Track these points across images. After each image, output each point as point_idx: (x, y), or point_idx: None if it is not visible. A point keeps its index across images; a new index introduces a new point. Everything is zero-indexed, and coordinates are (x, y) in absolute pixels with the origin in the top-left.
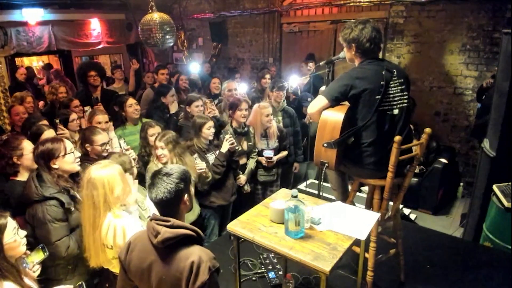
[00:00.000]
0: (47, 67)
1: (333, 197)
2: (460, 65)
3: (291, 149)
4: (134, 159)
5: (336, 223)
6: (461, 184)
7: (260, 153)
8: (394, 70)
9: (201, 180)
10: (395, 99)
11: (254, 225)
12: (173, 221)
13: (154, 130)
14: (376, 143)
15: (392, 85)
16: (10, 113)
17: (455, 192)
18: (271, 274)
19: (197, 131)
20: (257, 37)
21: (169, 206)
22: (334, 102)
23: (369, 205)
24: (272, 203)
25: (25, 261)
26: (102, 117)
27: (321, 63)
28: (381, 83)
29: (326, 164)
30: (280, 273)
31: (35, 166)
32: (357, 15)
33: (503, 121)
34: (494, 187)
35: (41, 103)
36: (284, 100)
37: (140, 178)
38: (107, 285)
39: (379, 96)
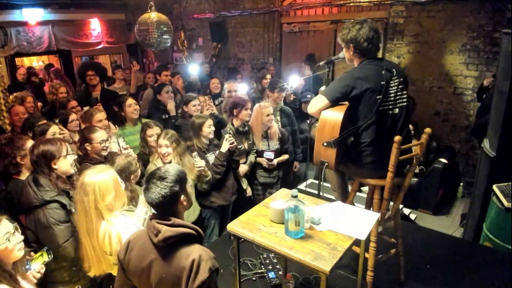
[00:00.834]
0: (48, 67)
1: (333, 197)
2: (460, 65)
3: (291, 148)
4: (134, 159)
5: (336, 223)
6: (461, 184)
7: (260, 154)
8: (394, 70)
9: (200, 179)
10: (396, 98)
11: (254, 225)
12: (174, 220)
13: (153, 131)
14: (376, 143)
15: (392, 85)
16: (10, 113)
17: (455, 192)
18: (271, 274)
19: (197, 131)
20: (257, 37)
21: (166, 208)
22: (335, 102)
23: (369, 205)
24: (272, 203)
25: (28, 264)
26: (100, 115)
27: (321, 63)
28: (382, 83)
29: (326, 164)
30: (280, 273)
31: None
32: (357, 15)
33: (503, 121)
34: (494, 187)
35: (39, 104)
36: (282, 100)
37: (141, 178)
38: (111, 287)
39: (380, 96)
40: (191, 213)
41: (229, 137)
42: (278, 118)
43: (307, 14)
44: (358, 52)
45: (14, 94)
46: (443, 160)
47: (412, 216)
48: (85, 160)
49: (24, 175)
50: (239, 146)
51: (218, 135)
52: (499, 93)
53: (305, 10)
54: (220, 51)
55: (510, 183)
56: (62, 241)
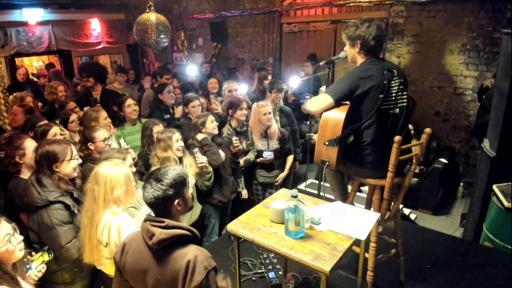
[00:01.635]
0: (49, 66)
1: (333, 197)
2: (460, 65)
3: (291, 148)
4: (134, 159)
5: (336, 223)
6: (461, 184)
7: (260, 154)
8: (394, 70)
9: (202, 176)
10: (396, 98)
11: (254, 225)
12: (168, 221)
13: (159, 128)
14: (376, 142)
15: (393, 85)
16: (12, 113)
17: (455, 192)
18: (271, 274)
19: (200, 129)
20: (257, 37)
21: (159, 208)
22: (339, 101)
23: (369, 205)
24: (272, 203)
25: (29, 263)
26: (104, 113)
27: (321, 63)
28: (384, 82)
29: (327, 163)
30: (280, 273)
31: None
32: (357, 15)
33: (503, 121)
34: (494, 187)
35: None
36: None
37: (141, 178)
38: (102, 287)
39: (382, 95)
40: (193, 212)
41: (236, 139)
42: (278, 118)
43: (307, 14)
44: (365, 50)
45: (14, 94)
46: (443, 160)
47: (412, 216)
48: (87, 160)
49: (24, 174)
50: (241, 147)
51: (220, 134)
52: (499, 93)
53: (305, 10)
54: (220, 51)
55: (510, 183)
56: (65, 242)
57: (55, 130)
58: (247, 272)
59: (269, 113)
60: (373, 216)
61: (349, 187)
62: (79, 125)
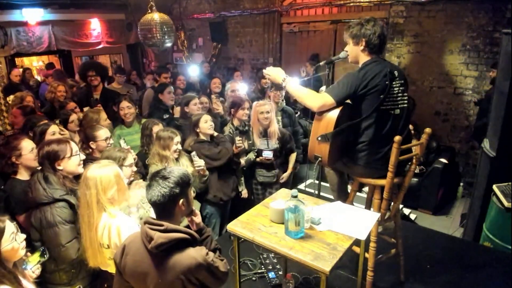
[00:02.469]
0: (49, 66)
1: (333, 197)
2: (460, 65)
3: (293, 147)
4: (134, 159)
5: (336, 223)
6: (461, 184)
7: (259, 153)
8: (395, 71)
9: (198, 178)
10: (397, 99)
11: (254, 225)
12: (167, 225)
13: (159, 127)
14: (376, 142)
15: (394, 85)
16: (13, 113)
17: (455, 192)
18: (271, 274)
19: (194, 128)
20: (257, 37)
21: (163, 209)
22: (340, 102)
23: (369, 205)
24: (272, 203)
25: (25, 263)
26: (103, 115)
27: (321, 63)
28: (386, 82)
29: (320, 159)
30: (280, 273)
31: (35, 165)
32: (357, 15)
33: (503, 121)
34: (494, 187)
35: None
36: (283, 100)
37: (141, 178)
38: (106, 286)
39: (383, 96)
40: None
41: (239, 139)
42: (279, 118)
43: (307, 14)
44: (369, 49)
45: (15, 94)
46: (443, 160)
47: (412, 216)
48: (88, 160)
49: (22, 174)
50: (243, 147)
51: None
52: (499, 93)
53: (305, 10)
54: (220, 51)
55: (510, 183)
56: (65, 242)
57: (54, 129)
58: (247, 272)
59: (267, 112)
60: (373, 216)
61: (349, 187)
62: (79, 126)
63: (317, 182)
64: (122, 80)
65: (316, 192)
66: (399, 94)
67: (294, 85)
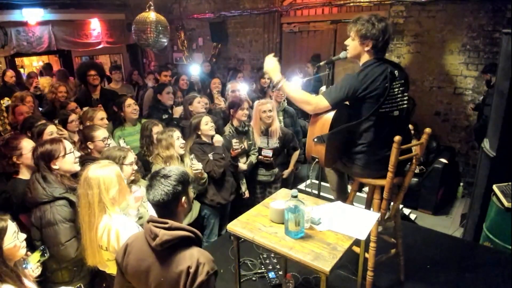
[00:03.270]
0: (47, 67)
1: (333, 197)
2: (460, 65)
3: (296, 146)
4: (134, 158)
5: (336, 223)
6: (461, 184)
7: (259, 151)
8: (396, 71)
9: (196, 181)
10: (396, 100)
11: (254, 225)
12: (171, 223)
13: (159, 128)
14: (376, 144)
15: (394, 87)
16: (15, 113)
17: (455, 192)
18: (271, 274)
19: (195, 130)
20: (257, 37)
21: (166, 208)
22: (336, 105)
23: (369, 205)
24: (272, 203)
25: (25, 262)
26: (101, 113)
27: (321, 63)
28: (386, 85)
29: (317, 159)
30: (280, 273)
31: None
32: (357, 15)
33: (503, 121)
34: (494, 187)
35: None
36: (285, 100)
37: (142, 177)
38: (104, 285)
39: (382, 98)
40: (193, 211)
41: (236, 142)
42: (281, 118)
43: (307, 14)
44: (376, 49)
45: (14, 94)
46: (443, 160)
47: (412, 216)
48: (87, 160)
49: (23, 174)
50: (241, 149)
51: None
52: (499, 93)
53: (305, 10)
54: (220, 51)
55: (510, 183)
56: (64, 240)
57: (51, 129)
58: (247, 272)
59: (270, 110)
60: (373, 216)
61: (349, 187)
62: (80, 124)
63: (317, 182)
64: (119, 77)
65: (316, 192)
66: (399, 95)
67: (290, 87)
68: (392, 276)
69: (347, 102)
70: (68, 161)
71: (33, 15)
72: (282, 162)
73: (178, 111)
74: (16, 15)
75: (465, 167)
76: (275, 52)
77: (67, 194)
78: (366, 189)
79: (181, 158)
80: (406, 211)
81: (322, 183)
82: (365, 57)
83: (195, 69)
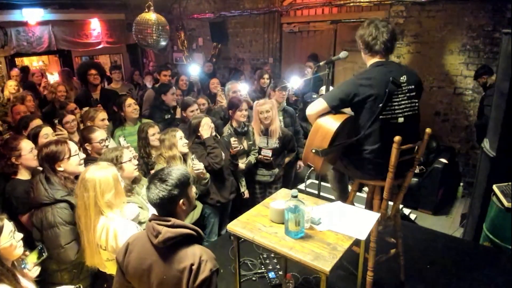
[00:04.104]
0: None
1: (333, 197)
2: (460, 65)
3: (295, 147)
4: (134, 157)
5: (336, 223)
6: (461, 184)
7: (258, 151)
8: (404, 76)
9: (198, 181)
10: (400, 107)
11: (254, 225)
12: (174, 220)
13: (154, 130)
14: (378, 151)
15: (398, 93)
16: (12, 112)
17: (455, 192)
18: (271, 274)
19: (195, 132)
20: (257, 37)
21: (165, 208)
22: (335, 108)
23: (369, 205)
24: (272, 203)
25: (24, 262)
26: (102, 114)
27: (321, 63)
28: (386, 90)
29: (312, 167)
30: (280, 273)
31: (35, 165)
32: (357, 15)
33: (503, 121)
34: (494, 187)
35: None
36: (284, 100)
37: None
38: (105, 286)
39: (381, 104)
40: (195, 212)
41: (234, 140)
42: (281, 118)
43: (307, 14)
44: (369, 50)
45: (14, 94)
46: (443, 160)
47: (412, 216)
48: (88, 160)
49: (22, 174)
50: (240, 148)
51: (221, 133)
52: (499, 93)
53: (305, 10)
54: (220, 51)
55: (510, 183)
56: (64, 243)
57: (46, 131)
58: (247, 272)
59: (267, 111)
60: (373, 216)
61: (349, 187)
62: (81, 123)
63: (317, 182)
64: (119, 76)
65: (316, 192)
66: (404, 102)
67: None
68: (392, 276)
69: (351, 113)
70: (73, 163)
71: (33, 15)
72: (282, 163)
73: (178, 111)
74: (16, 15)
75: (465, 167)
76: (275, 52)
77: (68, 197)
78: (366, 189)
79: (184, 158)
80: (406, 211)
81: (322, 183)
82: (368, 60)
83: (194, 69)
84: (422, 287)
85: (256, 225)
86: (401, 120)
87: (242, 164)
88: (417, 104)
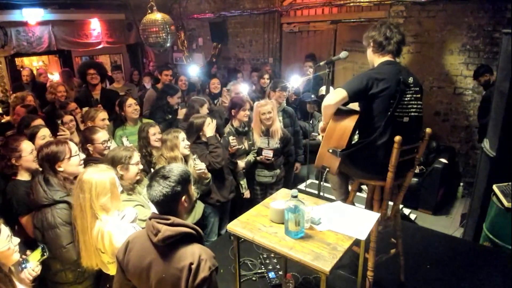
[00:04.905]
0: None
1: (333, 197)
2: (460, 65)
3: (292, 149)
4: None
5: (336, 223)
6: (461, 184)
7: (259, 152)
8: (411, 77)
9: (200, 181)
10: (408, 107)
11: (254, 225)
12: (173, 219)
13: (155, 130)
14: (382, 149)
15: (407, 93)
16: (15, 113)
17: (455, 192)
18: (271, 274)
19: (198, 132)
20: (257, 37)
21: (166, 206)
22: (353, 96)
23: (369, 205)
24: (272, 203)
25: (25, 261)
26: (103, 114)
27: (321, 63)
28: (397, 87)
29: (327, 169)
30: (280, 273)
31: (35, 166)
32: (357, 15)
33: (503, 121)
34: (494, 187)
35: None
36: (284, 100)
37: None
38: (108, 286)
39: (394, 101)
40: (196, 212)
41: (233, 139)
42: (281, 118)
43: (307, 14)
44: (380, 50)
45: (15, 94)
46: (443, 160)
47: (412, 216)
48: (89, 160)
49: (22, 175)
50: (239, 147)
51: (222, 133)
52: (499, 93)
53: (305, 10)
54: (220, 51)
55: (510, 183)
56: (66, 243)
57: (44, 133)
58: (247, 272)
59: (269, 112)
60: (373, 216)
61: (349, 187)
62: (82, 123)
63: (317, 182)
64: (120, 77)
65: (316, 192)
66: (412, 102)
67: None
68: (392, 276)
69: (357, 108)
70: (73, 163)
71: (33, 15)
72: (284, 163)
73: (182, 112)
74: (16, 15)
75: (465, 167)
76: (275, 52)
77: (67, 197)
78: (366, 189)
79: (185, 159)
80: (406, 211)
81: (322, 183)
82: (377, 60)
83: (194, 69)
84: (422, 287)
85: (256, 225)
86: (406, 119)
87: (241, 162)
88: (421, 106)
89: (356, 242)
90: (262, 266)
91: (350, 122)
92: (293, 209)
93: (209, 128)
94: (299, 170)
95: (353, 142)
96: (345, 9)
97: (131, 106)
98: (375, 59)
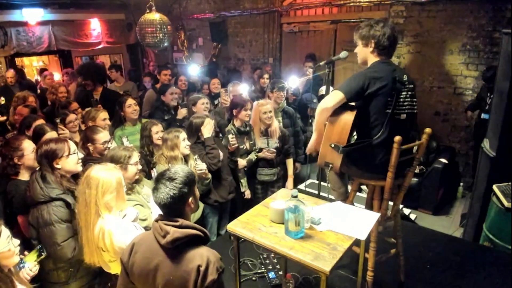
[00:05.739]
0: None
1: (333, 197)
2: (460, 65)
3: (292, 149)
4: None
5: (336, 223)
6: (461, 184)
7: (259, 151)
8: (405, 75)
9: (200, 181)
10: (405, 104)
11: (254, 225)
12: (182, 221)
13: (158, 128)
14: (381, 147)
15: (403, 90)
16: (15, 113)
17: (455, 192)
18: (271, 274)
19: (197, 133)
20: (257, 37)
21: (173, 209)
22: (351, 98)
23: (369, 205)
24: (272, 203)
25: (22, 261)
26: (103, 114)
27: (321, 63)
28: (394, 86)
29: (331, 166)
30: (280, 273)
31: (36, 165)
32: (357, 15)
33: (503, 121)
34: (494, 187)
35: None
36: (284, 101)
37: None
38: (109, 285)
39: (391, 99)
40: (197, 213)
41: (232, 137)
42: (280, 119)
43: (307, 14)
44: (379, 50)
45: (16, 94)
46: (443, 160)
47: (412, 216)
48: (88, 160)
49: (23, 175)
50: (241, 146)
51: (223, 134)
52: (499, 93)
53: (305, 10)
54: (220, 51)
55: (510, 183)
56: (61, 240)
57: (50, 136)
58: (247, 272)
59: (270, 111)
60: (373, 216)
61: (349, 187)
62: (82, 124)
63: (317, 182)
64: (117, 76)
65: (316, 192)
66: (407, 99)
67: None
68: (392, 276)
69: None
70: (71, 161)
71: (33, 15)
72: (283, 162)
73: (182, 112)
74: (16, 15)
75: (465, 167)
76: (275, 52)
77: (64, 195)
78: (366, 189)
79: (185, 159)
80: (406, 211)
81: (322, 183)
82: (372, 59)
83: (194, 69)
84: (422, 287)
85: (256, 225)
86: (403, 116)
87: (242, 160)
88: (416, 103)
89: (356, 242)
90: (262, 266)
91: (349, 116)
92: (293, 209)
93: (207, 129)
94: (299, 170)
95: (352, 142)
96: (345, 9)
97: (131, 107)
98: (370, 57)
